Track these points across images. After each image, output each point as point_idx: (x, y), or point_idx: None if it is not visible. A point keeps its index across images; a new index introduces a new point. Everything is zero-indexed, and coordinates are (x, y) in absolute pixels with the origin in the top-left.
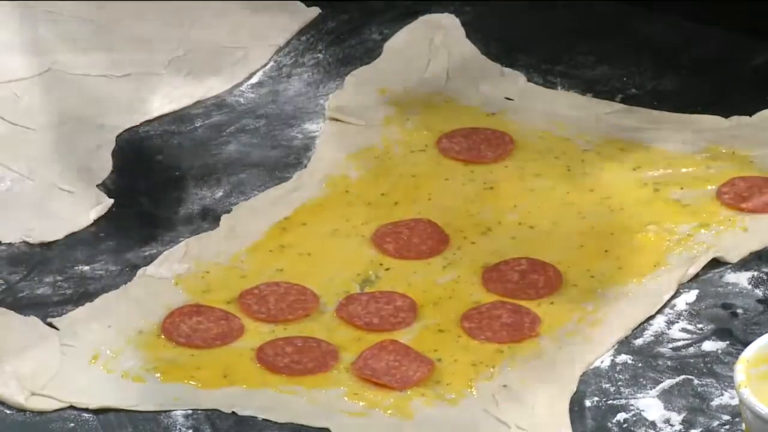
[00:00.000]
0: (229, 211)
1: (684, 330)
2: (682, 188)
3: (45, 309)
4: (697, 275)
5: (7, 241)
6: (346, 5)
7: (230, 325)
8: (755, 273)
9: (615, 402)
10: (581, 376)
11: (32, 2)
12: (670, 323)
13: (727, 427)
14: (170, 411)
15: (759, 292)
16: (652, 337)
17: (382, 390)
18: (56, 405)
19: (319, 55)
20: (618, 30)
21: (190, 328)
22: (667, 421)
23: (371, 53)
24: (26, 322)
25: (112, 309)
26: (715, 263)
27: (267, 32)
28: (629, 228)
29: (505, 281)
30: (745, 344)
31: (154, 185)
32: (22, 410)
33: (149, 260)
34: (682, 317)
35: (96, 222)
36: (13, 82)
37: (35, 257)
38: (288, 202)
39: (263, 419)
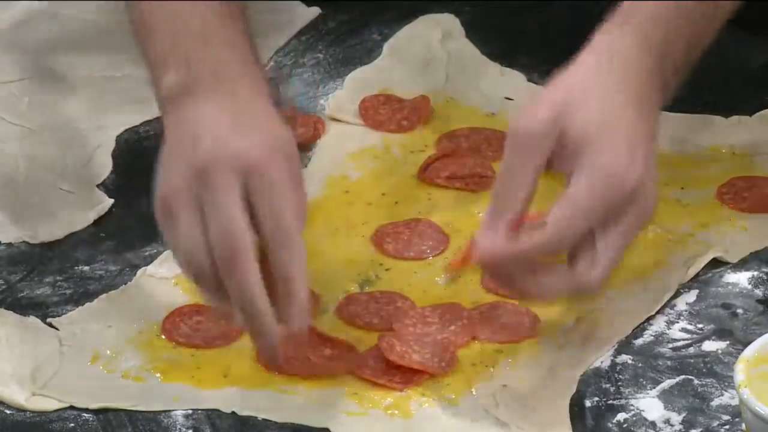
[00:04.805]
0: None
1: (684, 330)
2: (682, 188)
3: (45, 309)
4: (697, 275)
5: (7, 241)
6: (346, 5)
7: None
8: (755, 273)
9: (615, 402)
10: (581, 376)
11: (32, 2)
12: (670, 323)
13: (727, 427)
14: (170, 411)
15: (759, 292)
16: (652, 337)
17: (382, 390)
18: (56, 405)
19: (319, 55)
20: None
21: (190, 327)
22: (667, 422)
23: (371, 53)
24: (26, 323)
25: (112, 309)
26: (715, 263)
27: (267, 32)
28: None
29: None
30: (745, 344)
31: (154, 185)
32: (22, 410)
33: (149, 260)
34: (682, 317)
35: (96, 222)
36: (13, 82)
37: (35, 257)
38: None
39: (263, 419)
